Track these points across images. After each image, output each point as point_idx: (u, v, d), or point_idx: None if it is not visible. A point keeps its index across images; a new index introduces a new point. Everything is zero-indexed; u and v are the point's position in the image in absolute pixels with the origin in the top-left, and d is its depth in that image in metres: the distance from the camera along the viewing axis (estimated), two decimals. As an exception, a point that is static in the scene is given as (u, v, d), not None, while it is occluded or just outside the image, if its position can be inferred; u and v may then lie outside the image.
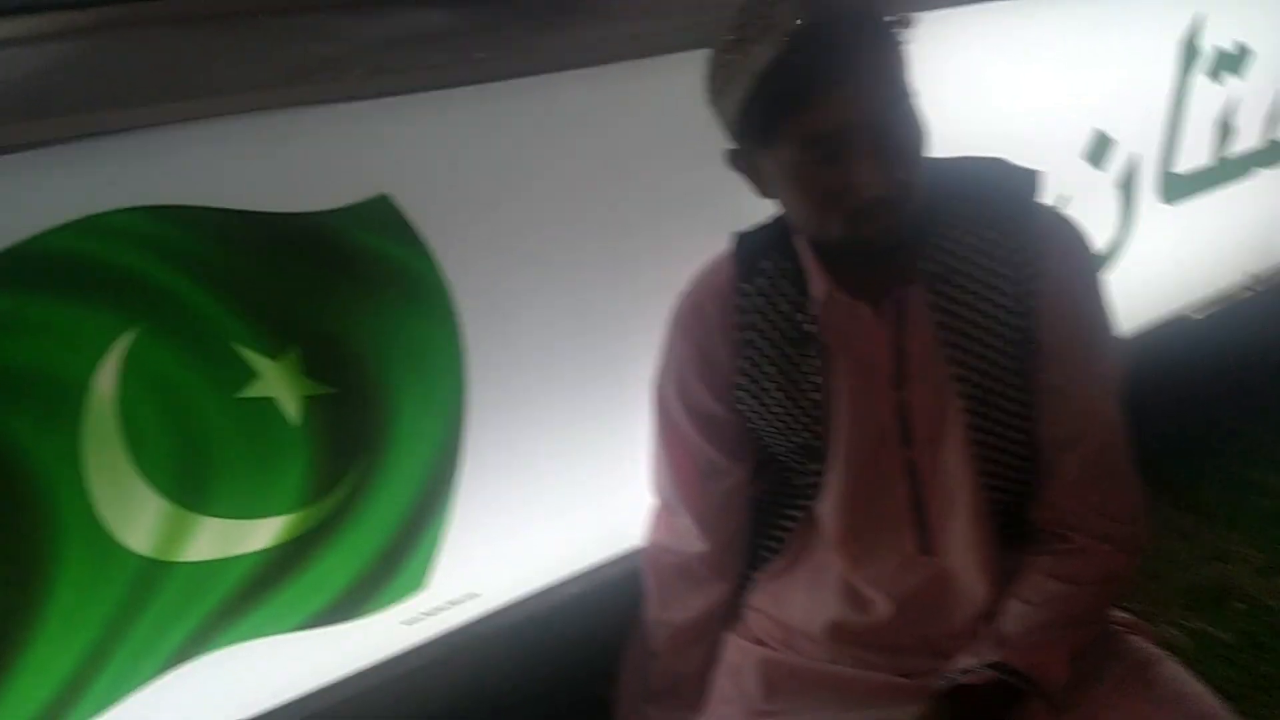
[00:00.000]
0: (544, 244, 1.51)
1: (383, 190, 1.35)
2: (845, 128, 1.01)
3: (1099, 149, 2.20)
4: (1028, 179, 1.17)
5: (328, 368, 1.39)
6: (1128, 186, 2.29)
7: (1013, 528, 1.23)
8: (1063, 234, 1.17)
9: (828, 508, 1.25)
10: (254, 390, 1.34)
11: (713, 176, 1.24)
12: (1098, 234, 2.18)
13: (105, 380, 1.23)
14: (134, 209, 1.18)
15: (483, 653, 1.68)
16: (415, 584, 1.60)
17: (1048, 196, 1.20)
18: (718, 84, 1.09)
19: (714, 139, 1.16)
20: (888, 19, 1.04)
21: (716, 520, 1.36)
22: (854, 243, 1.09)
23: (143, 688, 1.40)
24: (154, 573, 1.34)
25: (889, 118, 1.03)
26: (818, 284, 1.17)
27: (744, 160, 1.14)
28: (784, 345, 1.20)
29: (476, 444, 1.56)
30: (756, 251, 1.24)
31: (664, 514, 1.44)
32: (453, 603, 1.65)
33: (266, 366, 1.34)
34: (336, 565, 1.50)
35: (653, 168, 1.56)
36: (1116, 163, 2.24)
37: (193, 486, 1.34)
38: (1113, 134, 2.20)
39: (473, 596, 1.67)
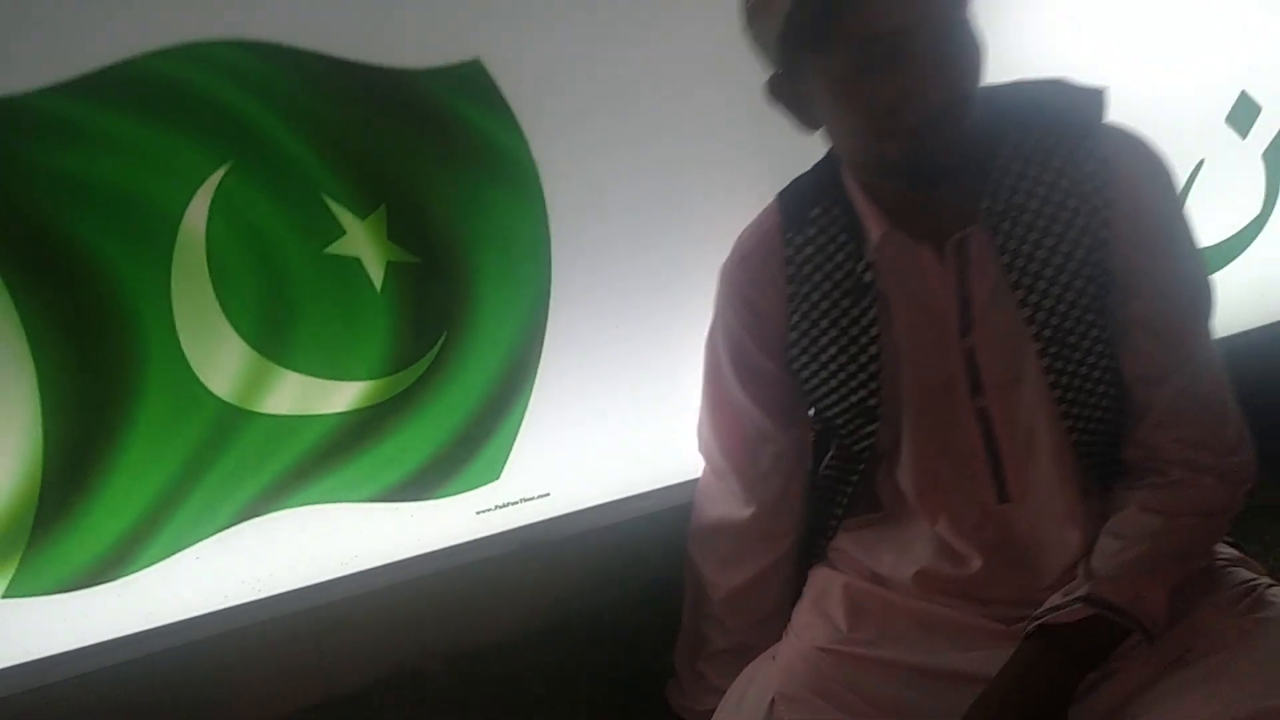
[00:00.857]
0: (638, 128, 1.49)
1: (476, 54, 1.36)
2: (904, 27, 0.94)
3: (1243, 114, 2.05)
4: (1093, 99, 1.07)
5: (413, 235, 1.40)
6: (1273, 157, 2.13)
7: (1103, 471, 1.15)
8: (1134, 156, 1.07)
9: (902, 466, 1.19)
10: (340, 248, 1.36)
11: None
12: (1239, 206, 2.05)
13: (196, 214, 1.27)
14: (236, 42, 1.22)
15: (552, 556, 1.66)
16: (492, 474, 1.60)
17: (1119, 117, 1.09)
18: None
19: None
20: None
21: (763, 486, 1.32)
22: (913, 165, 1.02)
23: (216, 534, 1.43)
24: (233, 419, 1.38)
25: (950, 20, 0.96)
26: (874, 225, 1.10)
27: (788, 85, 1.07)
28: (839, 297, 1.14)
29: (557, 336, 1.55)
30: (804, 199, 1.17)
31: (710, 475, 1.40)
32: (525, 499, 1.64)
33: (353, 224, 1.36)
34: (414, 441, 1.51)
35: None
36: (1262, 131, 2.09)
37: (275, 336, 1.37)
38: (1259, 99, 2.05)
39: (544, 496, 1.66)
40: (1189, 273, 1.09)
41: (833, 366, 1.17)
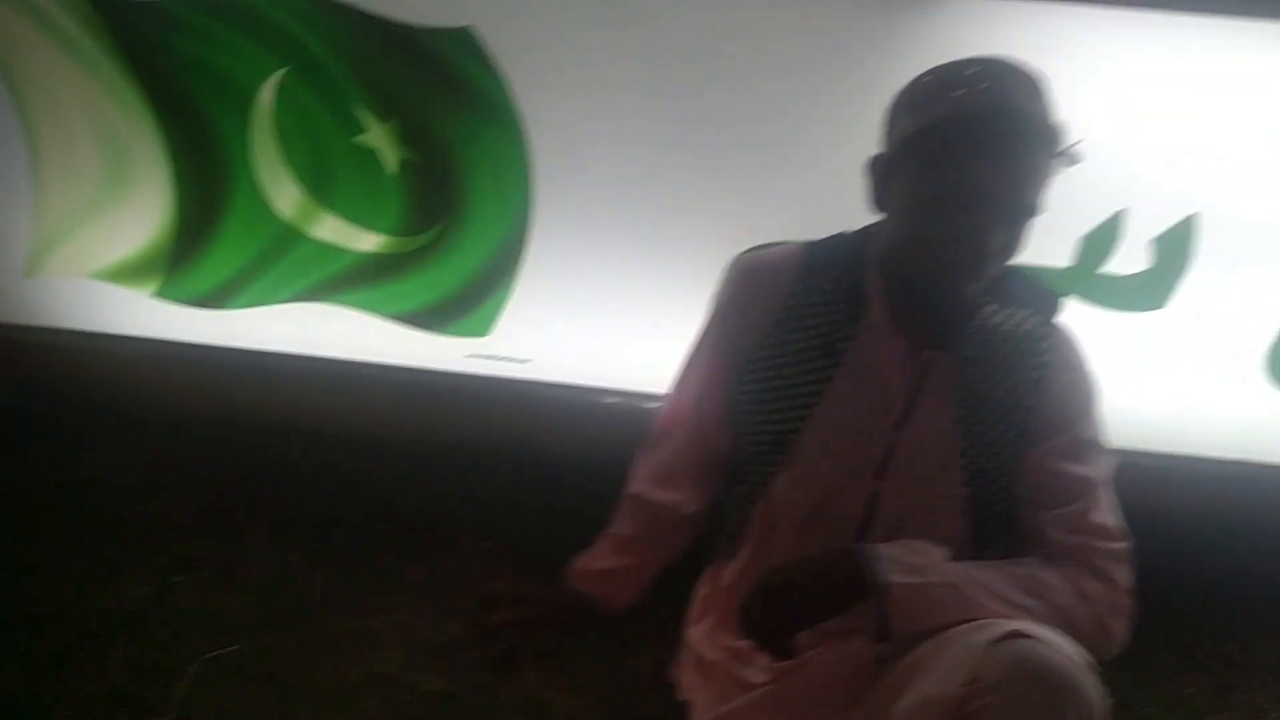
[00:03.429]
0: (621, 101, 1.80)
1: (471, 21, 1.75)
2: (989, 194, 1.14)
3: None
4: (1056, 296, 1.31)
5: (419, 142, 1.88)
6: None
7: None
8: (1075, 346, 1.31)
9: (786, 500, 1.31)
10: (364, 140, 1.88)
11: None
12: None
13: (266, 95, 1.86)
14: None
15: (532, 414, 2.13)
16: (483, 328, 2.09)
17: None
18: (910, 98, 1.22)
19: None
20: (1058, 147, 1.18)
21: (692, 476, 1.42)
22: (930, 284, 1.21)
23: (285, 303, 2.10)
24: (291, 234, 2.01)
25: (1017, 211, 1.16)
26: (876, 308, 1.26)
27: (883, 167, 1.25)
28: (810, 349, 1.28)
29: (542, 242, 1.97)
30: (828, 260, 1.31)
31: (652, 450, 1.47)
32: (509, 359, 2.11)
33: (374, 125, 1.87)
34: (420, 287, 2.05)
35: (745, 44, 1.74)
36: None
37: (319, 185, 1.96)
38: None
39: (525, 361, 2.11)
40: (1093, 448, 1.29)
41: (772, 395, 1.30)
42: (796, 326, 1.28)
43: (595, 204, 1.92)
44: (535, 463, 2.17)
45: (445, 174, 1.90)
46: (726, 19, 1.72)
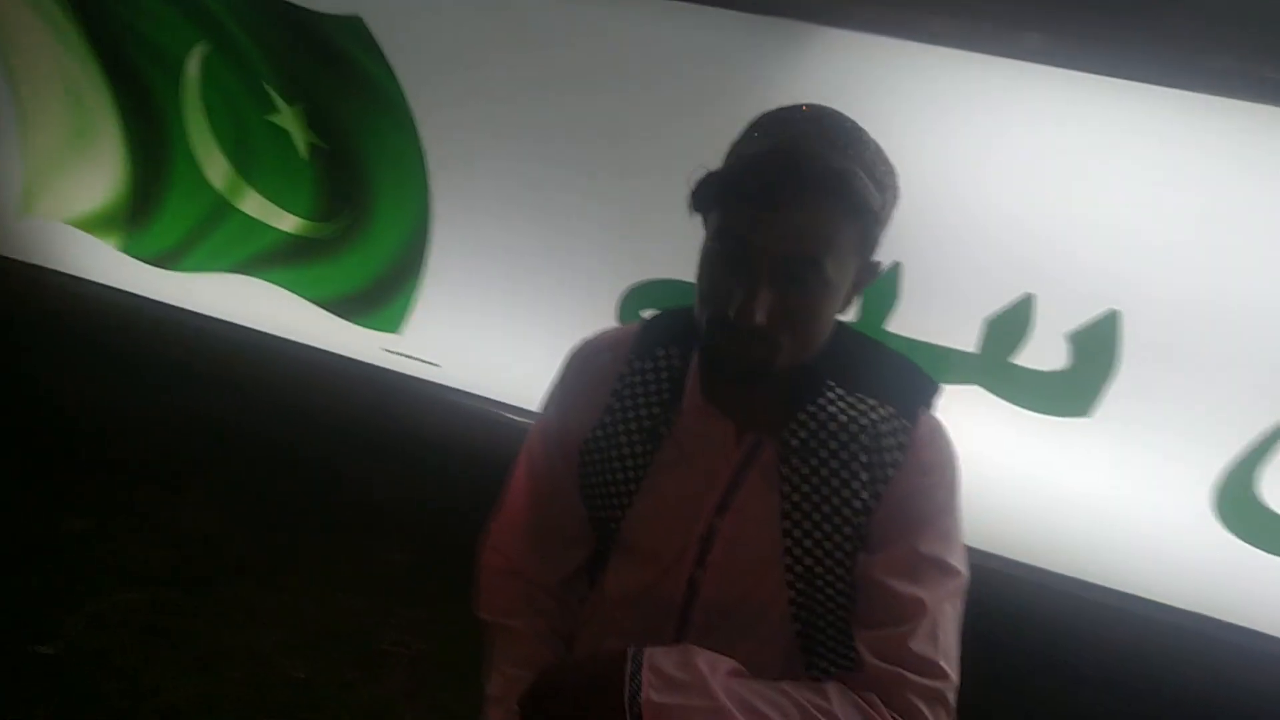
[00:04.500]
0: (512, 103, 1.73)
1: (358, 10, 1.73)
2: (761, 247, 1.00)
3: None
4: (929, 388, 1.16)
5: (325, 129, 1.89)
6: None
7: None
8: (932, 450, 1.13)
9: (615, 583, 1.26)
10: (276, 119, 1.91)
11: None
12: None
13: (192, 66, 1.93)
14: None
15: (442, 418, 2.10)
16: (393, 325, 2.07)
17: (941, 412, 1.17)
18: (738, 141, 1.12)
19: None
20: (871, 211, 1.03)
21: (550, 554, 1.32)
22: (710, 350, 1.10)
23: (222, 273, 2.17)
24: (223, 205, 2.07)
25: (803, 278, 1.02)
26: (692, 394, 1.17)
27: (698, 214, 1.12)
28: (635, 432, 1.20)
29: (443, 241, 1.92)
30: (660, 335, 1.22)
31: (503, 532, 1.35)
32: (418, 360, 2.08)
33: (284, 106, 1.89)
34: (336, 275, 2.06)
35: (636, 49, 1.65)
36: None
37: (243, 161, 2.01)
38: None
39: (434, 366, 2.08)
40: (936, 563, 1.11)
41: (602, 481, 1.23)
42: (623, 411, 1.20)
43: (489, 210, 1.85)
44: (448, 462, 2.12)
45: (350, 163, 1.89)
46: (612, 23, 1.63)
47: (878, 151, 1.05)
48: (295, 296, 2.13)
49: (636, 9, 1.61)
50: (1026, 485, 1.69)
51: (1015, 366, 1.60)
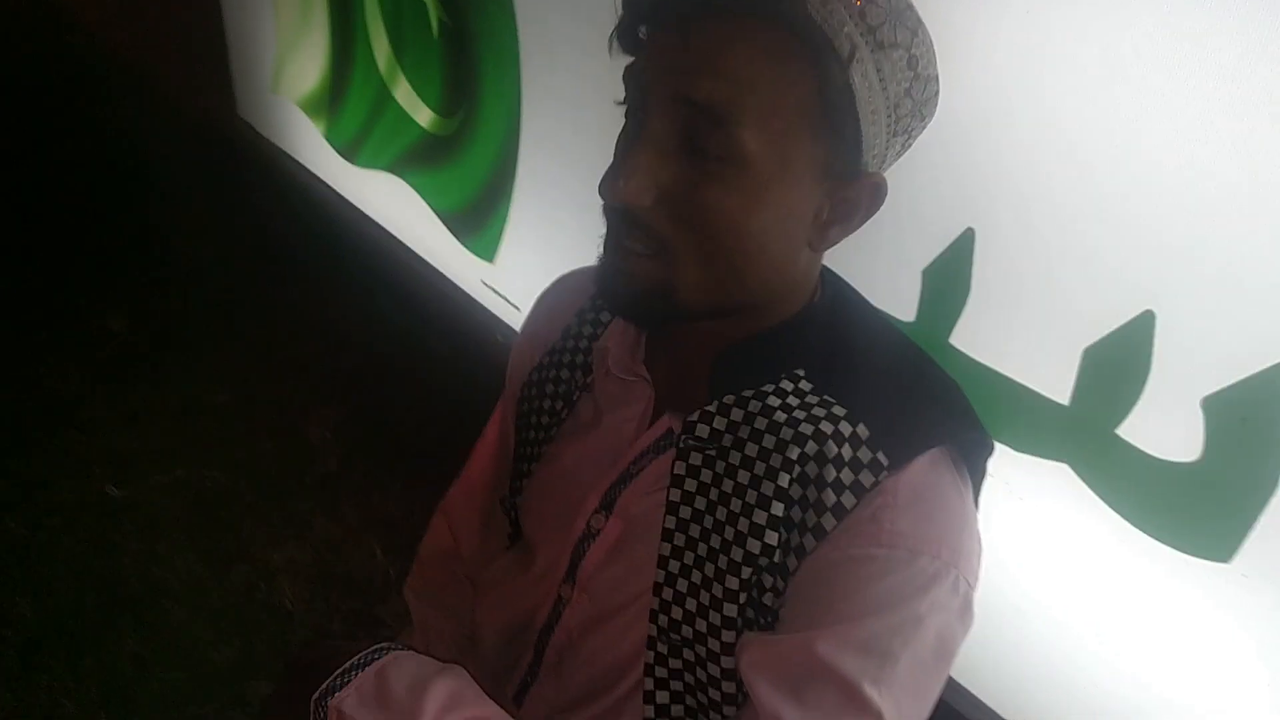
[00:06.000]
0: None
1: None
2: (648, 85, 0.68)
3: None
4: (956, 430, 0.76)
5: (448, 5, 1.70)
6: None
7: None
8: (919, 513, 0.71)
9: (487, 586, 1.00)
10: (422, -6, 1.76)
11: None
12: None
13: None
14: None
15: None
16: (489, 254, 1.82)
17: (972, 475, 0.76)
18: None
19: None
20: (825, 66, 0.65)
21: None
22: (600, 266, 0.75)
23: (385, 170, 2.06)
24: (385, 92, 1.96)
25: (705, 142, 0.66)
26: (619, 339, 0.85)
27: None
28: (560, 381, 0.92)
29: (529, 154, 1.65)
30: None
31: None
32: (506, 299, 1.81)
33: (423, -26, 1.73)
34: (453, 182, 1.86)
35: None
36: None
37: (398, 43, 1.88)
38: None
39: (516, 308, 1.79)
40: (837, 681, 0.67)
41: (520, 439, 0.97)
42: (560, 354, 0.92)
43: (574, 120, 1.52)
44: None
45: (466, 47, 1.68)
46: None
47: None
48: (425, 204, 1.95)
49: None
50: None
51: (1128, 444, 0.93)
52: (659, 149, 0.67)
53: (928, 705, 0.70)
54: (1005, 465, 1.04)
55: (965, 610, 0.71)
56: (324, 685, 0.76)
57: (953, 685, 1.19)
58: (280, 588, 1.88)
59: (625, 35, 0.72)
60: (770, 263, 0.70)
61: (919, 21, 0.68)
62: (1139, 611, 0.98)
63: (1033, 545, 1.06)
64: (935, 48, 0.69)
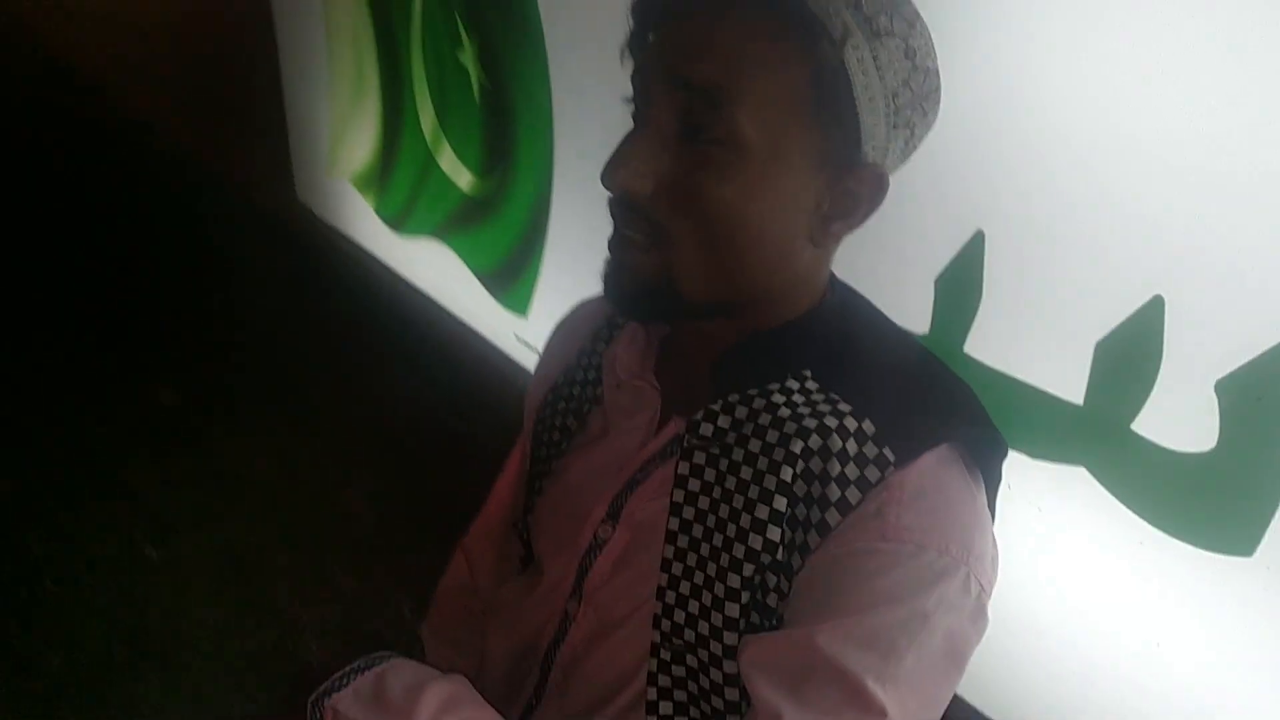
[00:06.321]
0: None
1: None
2: (647, 69, 0.70)
3: None
4: (966, 428, 0.74)
5: (489, 67, 1.77)
6: None
7: None
8: (923, 508, 0.69)
9: (500, 606, 1.00)
10: (461, 58, 1.83)
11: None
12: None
13: (416, 17, 1.93)
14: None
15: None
16: (522, 307, 1.85)
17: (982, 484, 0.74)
18: None
19: None
20: (819, 52, 0.66)
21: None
22: (608, 270, 0.76)
23: (429, 236, 2.12)
24: (430, 159, 2.03)
25: (702, 124, 0.67)
26: (628, 346, 0.85)
27: None
28: (573, 398, 0.91)
29: (560, 211, 1.69)
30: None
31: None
32: (538, 352, 1.82)
33: (465, 39, 1.81)
34: (489, 241, 1.90)
35: None
36: None
37: (442, 110, 1.96)
38: None
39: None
40: (836, 675, 0.67)
41: (535, 457, 0.96)
42: (576, 371, 0.91)
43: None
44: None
45: (503, 109, 1.75)
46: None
47: None
48: (464, 265, 2.00)
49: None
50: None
51: (1141, 439, 0.90)
52: (658, 137, 0.68)
53: (935, 711, 0.67)
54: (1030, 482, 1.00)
55: (978, 613, 0.68)
56: (322, 686, 0.77)
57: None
58: (307, 645, 1.86)
59: (636, 43, 0.73)
60: (770, 252, 0.70)
61: (917, 15, 0.68)
62: (1163, 618, 0.93)
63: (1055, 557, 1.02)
64: (938, 48, 0.68)
